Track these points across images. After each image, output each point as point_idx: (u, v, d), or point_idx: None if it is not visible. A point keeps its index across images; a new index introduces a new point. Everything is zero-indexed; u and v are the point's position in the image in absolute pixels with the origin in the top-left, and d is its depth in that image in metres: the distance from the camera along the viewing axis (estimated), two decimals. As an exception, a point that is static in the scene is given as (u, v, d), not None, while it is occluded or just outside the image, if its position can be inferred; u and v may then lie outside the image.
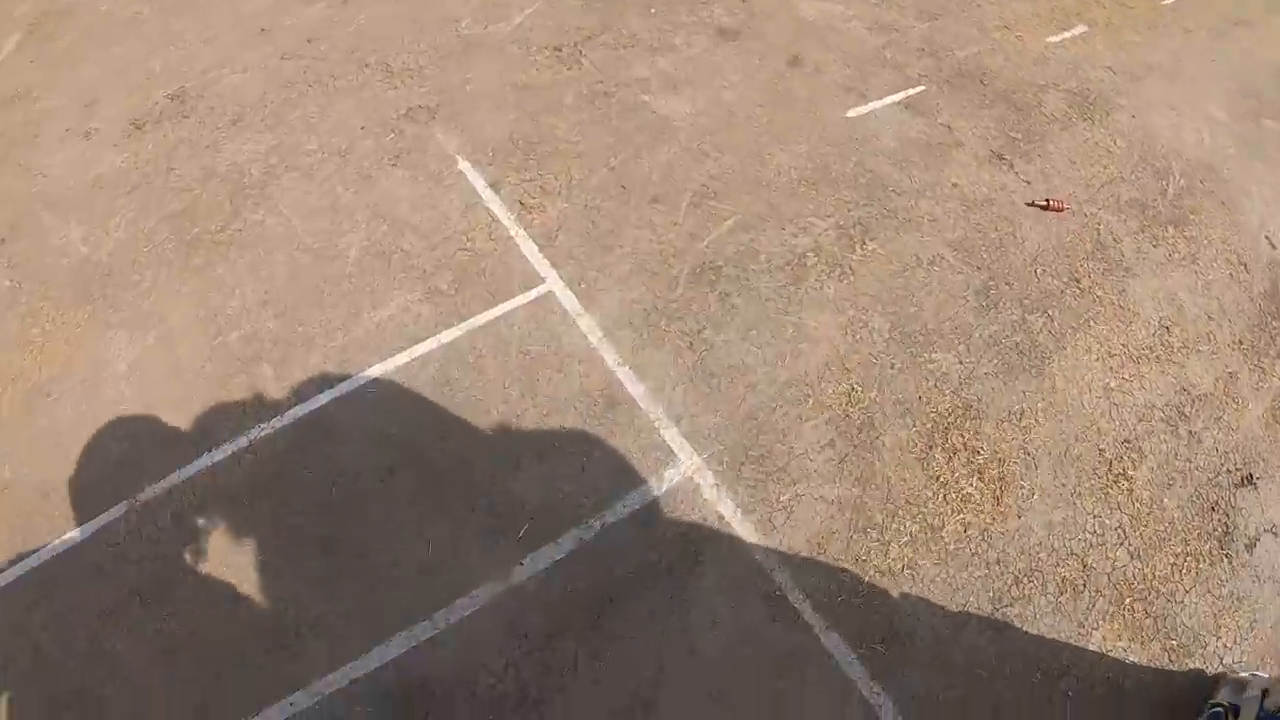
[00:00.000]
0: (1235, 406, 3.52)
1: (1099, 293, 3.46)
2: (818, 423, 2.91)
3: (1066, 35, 4.97)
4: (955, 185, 3.53)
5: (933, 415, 2.95)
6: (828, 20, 4.34)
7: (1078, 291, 3.41)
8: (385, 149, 3.64)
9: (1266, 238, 4.52)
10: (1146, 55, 5.59)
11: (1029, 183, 3.70)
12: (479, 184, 3.50)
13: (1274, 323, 3.97)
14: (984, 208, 3.51)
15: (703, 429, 2.89)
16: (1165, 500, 2.84)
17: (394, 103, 3.84)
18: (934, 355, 3.12)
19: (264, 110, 3.80)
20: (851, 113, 3.70)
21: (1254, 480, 2.96)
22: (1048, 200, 3.64)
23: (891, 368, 3.07)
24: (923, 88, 3.93)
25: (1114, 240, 3.72)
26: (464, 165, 3.57)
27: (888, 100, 3.86)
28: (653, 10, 4.10)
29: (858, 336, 3.16)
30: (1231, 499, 2.88)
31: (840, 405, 2.96)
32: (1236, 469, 2.99)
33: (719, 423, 2.90)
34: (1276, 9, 8.51)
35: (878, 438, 2.88)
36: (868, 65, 4.07)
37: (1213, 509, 2.85)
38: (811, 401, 2.96)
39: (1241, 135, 5.42)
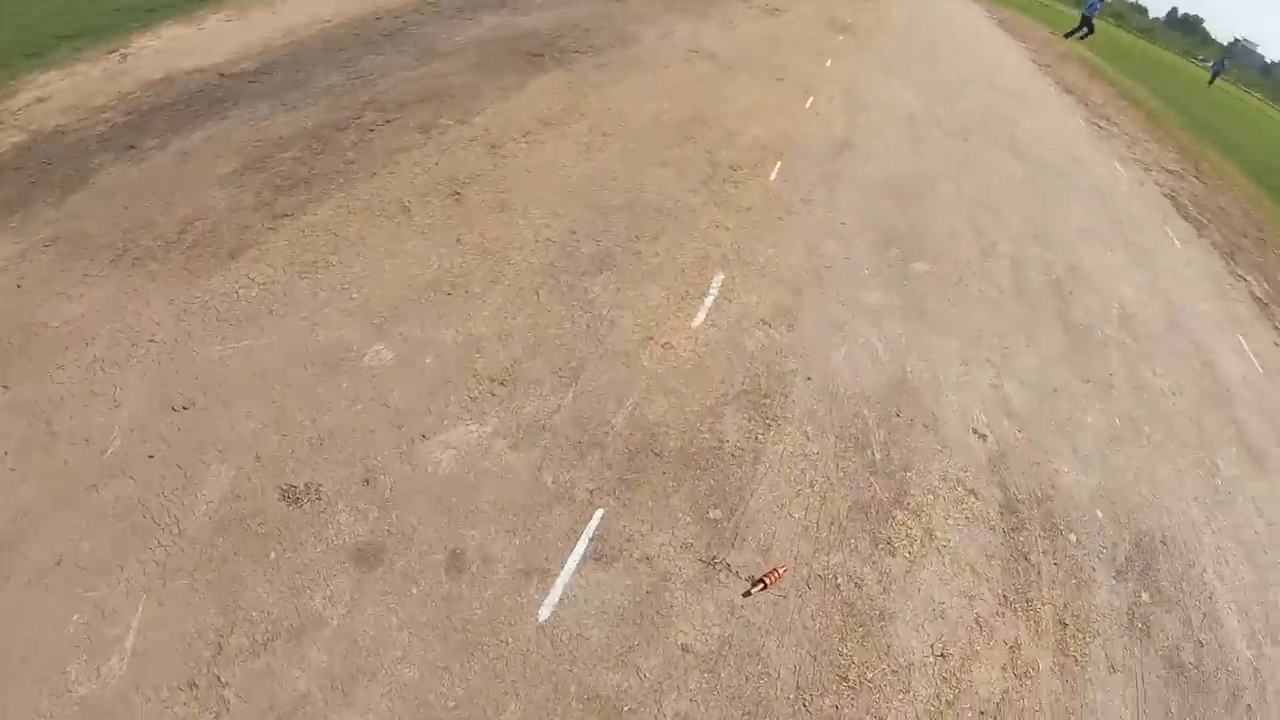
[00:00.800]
0: (1031, 682, 3.43)
1: (870, 675, 3.19)
2: None
3: (702, 303, 4.69)
4: (686, 649, 3.02)
5: None
6: (468, 460, 3.50)
7: (850, 692, 3.11)
8: None
9: (974, 431, 4.55)
10: (781, 267, 5.33)
11: (751, 577, 3.31)
12: None
13: (1019, 536, 3.97)
14: (726, 657, 3.03)
15: None
16: None
17: None
18: None
19: None
20: (543, 611, 3.02)
21: None
22: (762, 579, 3.31)
23: None
24: (601, 510, 3.36)
25: (856, 585, 3.47)
26: None
27: (574, 561, 3.22)
28: (271, 554, 3.09)
29: None
30: None
31: None
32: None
33: None
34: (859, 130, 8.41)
35: None
36: (534, 514, 3.30)
37: None
38: None
39: (903, 308, 5.30)
